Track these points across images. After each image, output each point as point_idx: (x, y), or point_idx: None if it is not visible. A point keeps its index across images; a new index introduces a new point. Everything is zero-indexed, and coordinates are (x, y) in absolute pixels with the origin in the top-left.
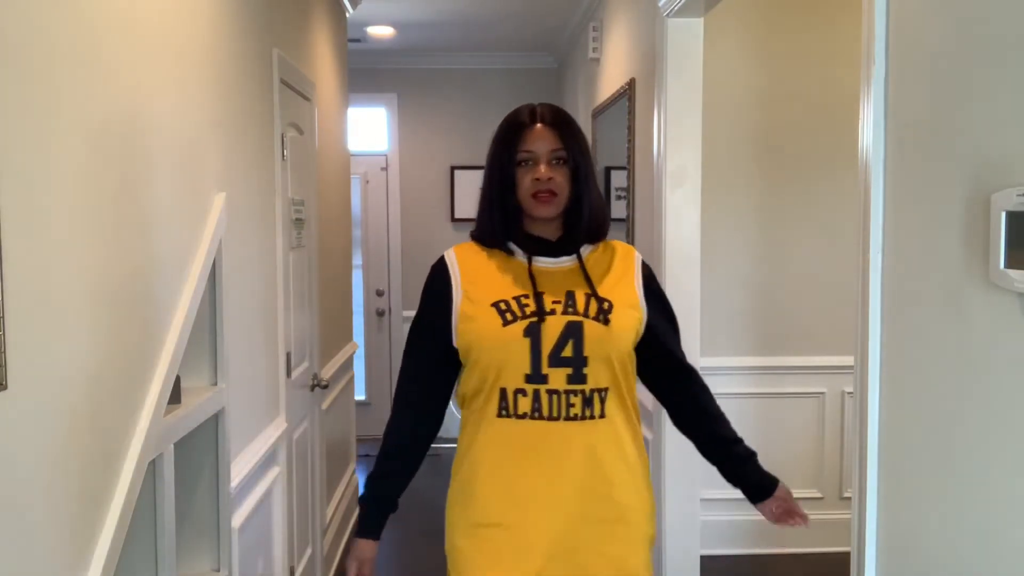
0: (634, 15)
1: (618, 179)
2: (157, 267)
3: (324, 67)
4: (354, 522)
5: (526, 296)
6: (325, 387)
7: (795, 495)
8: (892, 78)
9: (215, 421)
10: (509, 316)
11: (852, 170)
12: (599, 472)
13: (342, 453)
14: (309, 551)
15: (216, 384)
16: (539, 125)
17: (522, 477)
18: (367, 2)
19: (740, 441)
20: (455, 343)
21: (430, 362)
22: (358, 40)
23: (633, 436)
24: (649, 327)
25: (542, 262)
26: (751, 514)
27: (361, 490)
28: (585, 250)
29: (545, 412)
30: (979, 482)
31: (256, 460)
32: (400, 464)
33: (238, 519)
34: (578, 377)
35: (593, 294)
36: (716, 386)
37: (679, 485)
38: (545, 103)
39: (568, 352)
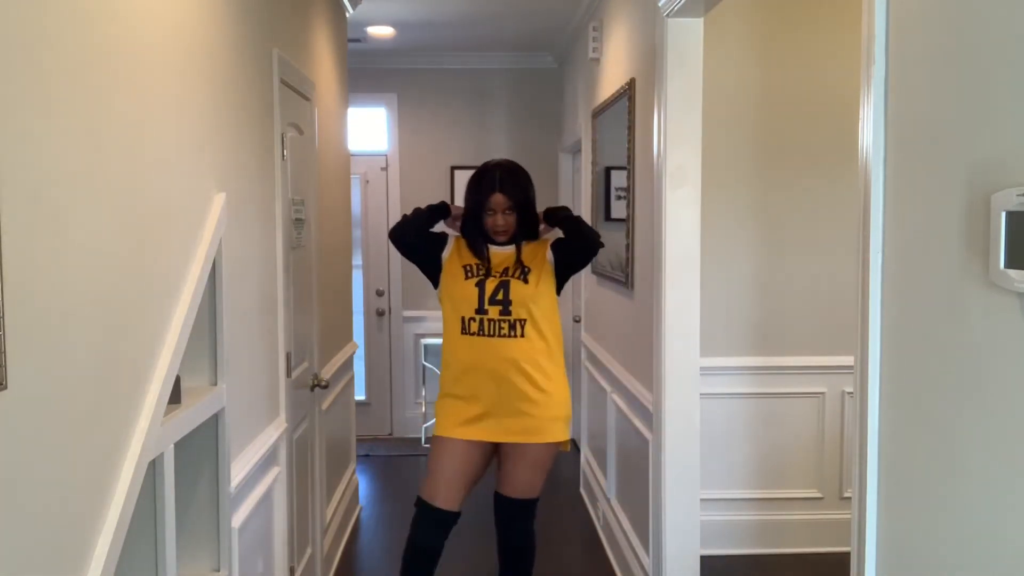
0: (634, 15)
1: (618, 179)
2: (157, 267)
3: (324, 67)
4: (354, 522)
5: (480, 265)
6: (325, 387)
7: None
8: (892, 78)
9: (215, 421)
10: (470, 274)
11: (852, 170)
12: (518, 371)
13: (342, 453)
14: (309, 551)
15: (216, 384)
16: (498, 194)
17: (473, 368)
18: (367, 2)
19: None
20: (440, 272)
21: (427, 238)
22: (358, 40)
23: (546, 351)
24: (560, 253)
25: (493, 248)
26: (751, 514)
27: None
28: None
29: (487, 332)
30: (979, 482)
31: (256, 460)
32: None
33: (238, 519)
34: (506, 311)
35: (520, 264)
36: (716, 386)
37: (679, 485)
38: (505, 168)
39: (500, 296)
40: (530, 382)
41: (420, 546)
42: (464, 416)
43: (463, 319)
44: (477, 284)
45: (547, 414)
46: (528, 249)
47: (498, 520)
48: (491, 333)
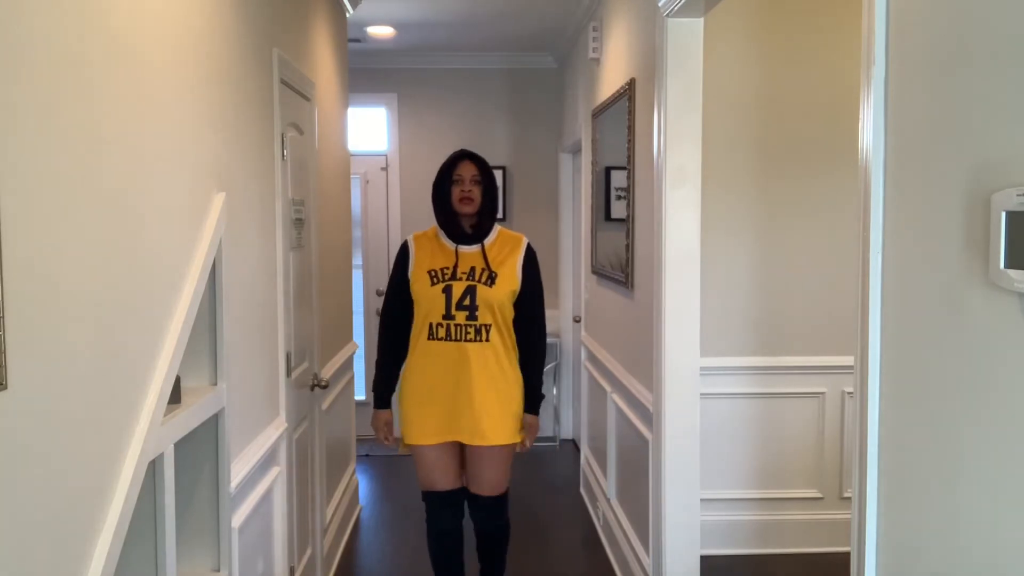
0: (634, 15)
1: (618, 179)
2: (157, 267)
3: (324, 67)
4: (354, 522)
5: (447, 268)
6: (325, 387)
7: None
8: (892, 78)
9: (215, 421)
10: (436, 279)
11: (852, 170)
12: (483, 375)
13: (342, 453)
14: (309, 551)
15: (216, 384)
16: (467, 161)
17: (440, 373)
18: (367, 2)
19: (531, 385)
20: (409, 289)
21: (401, 296)
22: (358, 40)
23: (507, 353)
24: (521, 291)
25: (462, 248)
26: (751, 514)
27: (371, 395)
28: (489, 239)
29: (453, 336)
30: (979, 482)
31: (256, 460)
32: (392, 358)
33: (238, 519)
34: (472, 316)
35: (487, 268)
36: (716, 386)
37: (679, 485)
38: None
39: (467, 302)
40: (493, 387)
41: (438, 530)
42: (431, 421)
43: (431, 325)
44: (444, 290)
45: (507, 416)
46: (495, 249)
47: (472, 516)
48: (457, 338)
